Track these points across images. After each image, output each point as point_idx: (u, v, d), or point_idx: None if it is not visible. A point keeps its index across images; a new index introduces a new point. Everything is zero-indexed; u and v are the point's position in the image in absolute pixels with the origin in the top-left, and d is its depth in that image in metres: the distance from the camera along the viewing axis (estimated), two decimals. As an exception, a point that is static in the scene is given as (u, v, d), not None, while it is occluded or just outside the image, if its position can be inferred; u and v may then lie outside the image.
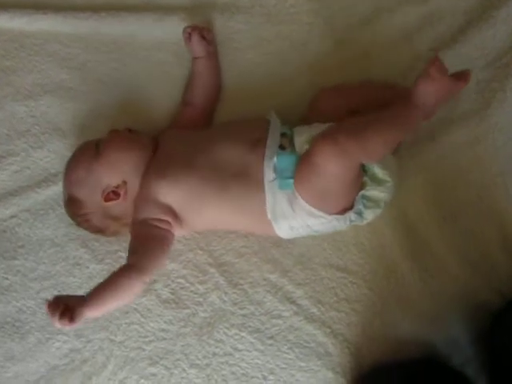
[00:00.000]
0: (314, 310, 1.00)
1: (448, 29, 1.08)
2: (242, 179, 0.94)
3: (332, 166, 0.86)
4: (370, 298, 1.00)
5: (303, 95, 1.07)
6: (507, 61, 1.04)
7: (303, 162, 0.90)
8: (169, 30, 1.13)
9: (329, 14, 1.12)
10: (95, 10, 1.15)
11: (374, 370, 0.97)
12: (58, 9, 1.16)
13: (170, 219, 0.97)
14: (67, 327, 0.83)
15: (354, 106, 0.99)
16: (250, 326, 1.00)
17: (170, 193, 0.97)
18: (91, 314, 0.86)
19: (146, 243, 0.95)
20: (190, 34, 1.05)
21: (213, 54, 1.10)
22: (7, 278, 1.06)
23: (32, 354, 1.02)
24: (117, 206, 0.99)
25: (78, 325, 0.84)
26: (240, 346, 0.99)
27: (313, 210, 0.91)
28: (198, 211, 0.98)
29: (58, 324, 0.82)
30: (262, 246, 1.03)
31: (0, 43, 1.17)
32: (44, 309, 1.00)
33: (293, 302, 1.00)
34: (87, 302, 0.85)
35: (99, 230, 1.02)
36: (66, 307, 0.83)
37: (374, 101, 0.97)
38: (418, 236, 1.01)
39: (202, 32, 1.06)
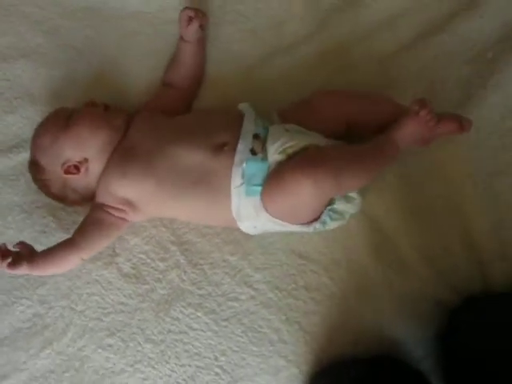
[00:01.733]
0: (271, 295, 0.99)
1: (433, 18, 1.04)
2: (204, 186, 0.92)
3: (305, 197, 0.86)
4: (329, 288, 0.99)
5: (279, 79, 1.04)
6: (492, 56, 0.99)
7: (275, 180, 0.88)
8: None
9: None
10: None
11: (331, 367, 0.96)
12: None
13: (126, 208, 0.98)
14: (5, 270, 0.91)
15: (351, 117, 0.95)
16: (206, 307, 1.00)
17: (129, 190, 0.97)
18: (30, 271, 0.93)
19: (93, 226, 0.97)
20: (190, 18, 1.00)
21: (202, 39, 1.06)
22: (-26, 242, 1.07)
23: (-3, 315, 1.04)
24: (76, 181, 1.00)
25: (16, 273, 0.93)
26: (195, 326, 1.00)
27: (277, 221, 0.91)
28: (158, 208, 0.99)
29: None
30: (226, 227, 1.02)
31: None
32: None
33: (250, 286, 1.00)
34: (32, 260, 0.93)
35: (58, 198, 1.03)
36: (15, 253, 0.92)
37: (373, 116, 0.95)
38: (382, 229, 0.99)
39: (202, 20, 1.01)
